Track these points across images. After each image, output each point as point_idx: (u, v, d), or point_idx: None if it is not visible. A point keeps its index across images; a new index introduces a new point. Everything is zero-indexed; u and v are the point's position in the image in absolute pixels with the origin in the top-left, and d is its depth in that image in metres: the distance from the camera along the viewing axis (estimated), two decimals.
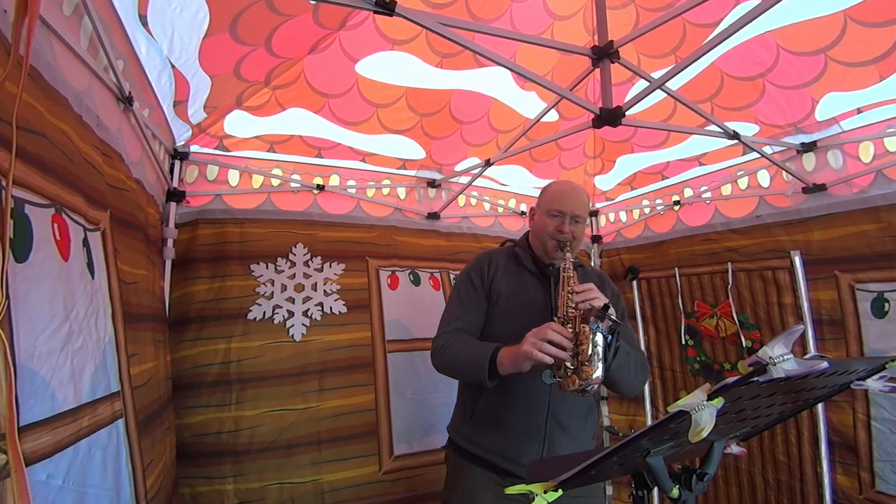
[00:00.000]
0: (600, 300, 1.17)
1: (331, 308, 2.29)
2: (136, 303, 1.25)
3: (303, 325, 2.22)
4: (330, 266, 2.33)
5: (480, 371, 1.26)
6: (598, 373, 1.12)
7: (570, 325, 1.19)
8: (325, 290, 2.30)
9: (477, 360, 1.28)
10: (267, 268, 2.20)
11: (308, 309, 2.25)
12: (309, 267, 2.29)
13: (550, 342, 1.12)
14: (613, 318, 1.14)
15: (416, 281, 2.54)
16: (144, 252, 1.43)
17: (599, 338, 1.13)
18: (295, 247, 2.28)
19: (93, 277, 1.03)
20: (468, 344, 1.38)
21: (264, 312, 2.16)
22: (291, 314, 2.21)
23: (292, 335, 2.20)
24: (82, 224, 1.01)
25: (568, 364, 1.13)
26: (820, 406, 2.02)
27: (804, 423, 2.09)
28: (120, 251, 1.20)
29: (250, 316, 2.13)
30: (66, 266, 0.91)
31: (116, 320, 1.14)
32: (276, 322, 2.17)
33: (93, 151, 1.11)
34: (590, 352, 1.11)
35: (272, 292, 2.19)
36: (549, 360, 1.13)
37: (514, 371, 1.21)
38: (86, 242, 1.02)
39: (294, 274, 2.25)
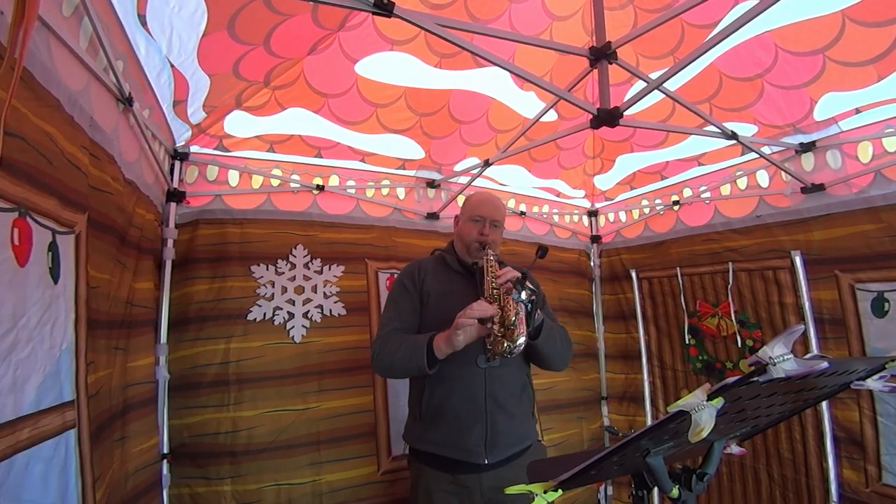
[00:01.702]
0: (516, 274, 1.37)
1: (330, 310, 2.29)
2: (96, 308, 1.21)
3: (303, 326, 2.22)
4: (329, 268, 2.33)
5: (419, 359, 1.37)
6: (523, 336, 1.30)
7: (495, 302, 1.35)
8: (324, 293, 2.30)
9: (414, 350, 1.40)
10: (267, 269, 2.20)
11: (308, 311, 2.25)
12: (309, 269, 2.29)
13: (475, 312, 1.30)
14: (530, 287, 1.34)
15: None
16: (114, 255, 1.38)
17: (521, 308, 1.32)
18: (295, 248, 2.28)
19: (55, 282, 1.00)
20: (404, 340, 1.48)
21: (264, 314, 2.16)
22: (292, 316, 2.21)
23: (292, 336, 2.20)
24: (52, 227, 0.98)
25: (496, 332, 1.31)
26: (824, 404, 2.03)
27: (808, 421, 2.10)
28: (90, 255, 1.17)
29: (250, 317, 2.13)
30: (22, 272, 0.88)
31: (80, 326, 1.10)
32: (276, 323, 2.17)
33: (79, 152, 1.09)
34: (513, 318, 1.29)
35: (272, 294, 2.19)
36: (473, 322, 1.30)
37: (450, 350, 1.34)
38: (52, 246, 0.99)
39: (294, 276, 2.25)
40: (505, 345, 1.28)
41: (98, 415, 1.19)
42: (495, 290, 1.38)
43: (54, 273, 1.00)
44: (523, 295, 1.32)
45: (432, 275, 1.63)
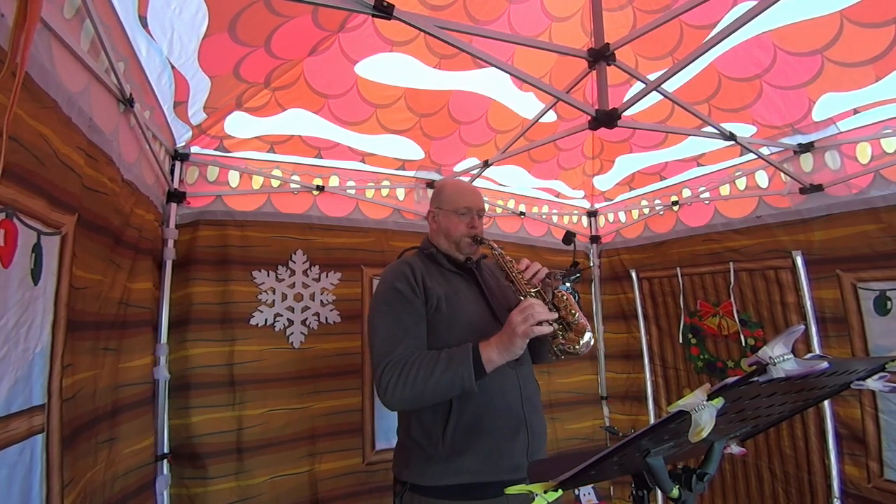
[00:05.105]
0: (539, 266, 1.28)
1: (326, 318, 2.34)
2: (81, 310, 1.18)
3: (301, 333, 2.27)
4: (327, 276, 2.37)
5: (466, 378, 1.15)
6: (588, 330, 1.16)
7: (538, 298, 1.21)
8: (321, 301, 2.34)
9: (457, 368, 1.16)
10: (268, 275, 2.23)
11: (307, 318, 2.30)
12: (308, 276, 2.33)
13: (542, 314, 1.13)
14: (579, 272, 1.25)
15: None
16: (108, 256, 1.37)
17: (571, 297, 1.21)
18: (295, 254, 2.31)
19: (35, 284, 0.98)
20: (430, 359, 1.20)
21: (266, 319, 2.20)
22: (291, 322, 2.26)
23: (292, 343, 2.24)
24: (37, 228, 0.97)
25: (558, 330, 1.16)
26: (826, 401, 2.03)
27: (810, 418, 2.11)
28: (78, 255, 1.15)
29: (252, 321, 2.16)
30: (5, 273, 0.87)
31: (57, 328, 1.08)
32: (276, 329, 2.22)
33: (75, 153, 1.09)
34: (574, 311, 1.17)
35: (273, 300, 2.23)
36: (549, 329, 1.13)
37: (506, 360, 1.17)
38: (36, 248, 0.97)
39: (294, 283, 2.29)
40: (581, 342, 1.13)
41: (75, 418, 1.16)
42: (526, 284, 1.24)
43: (35, 274, 0.98)
44: (567, 284, 1.20)
45: (428, 275, 1.37)
